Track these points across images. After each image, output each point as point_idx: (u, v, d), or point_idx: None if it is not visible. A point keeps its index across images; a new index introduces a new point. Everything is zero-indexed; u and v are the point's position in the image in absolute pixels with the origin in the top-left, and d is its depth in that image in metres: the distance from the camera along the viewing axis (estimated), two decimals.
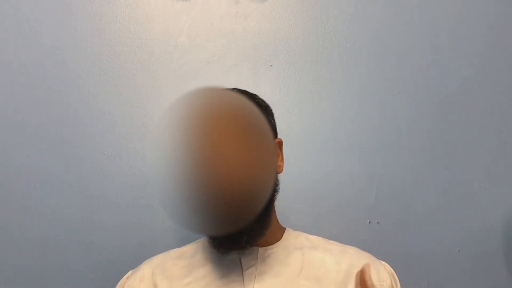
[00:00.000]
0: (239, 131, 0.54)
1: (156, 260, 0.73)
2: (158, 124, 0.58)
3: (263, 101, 0.73)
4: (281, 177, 0.71)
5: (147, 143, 0.68)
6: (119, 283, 0.73)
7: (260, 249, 0.68)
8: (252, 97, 0.70)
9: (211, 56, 1.00)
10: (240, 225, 0.56)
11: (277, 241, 0.71)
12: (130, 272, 0.74)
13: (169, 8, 1.00)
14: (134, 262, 0.79)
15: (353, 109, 1.03)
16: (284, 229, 0.74)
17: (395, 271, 0.75)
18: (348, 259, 0.70)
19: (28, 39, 0.96)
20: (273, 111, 0.74)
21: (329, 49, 1.04)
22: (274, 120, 0.73)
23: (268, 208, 0.67)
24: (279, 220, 0.74)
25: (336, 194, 0.99)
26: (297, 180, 0.97)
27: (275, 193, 0.69)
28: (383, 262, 0.73)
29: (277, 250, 0.70)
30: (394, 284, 0.70)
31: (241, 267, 0.67)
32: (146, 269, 0.71)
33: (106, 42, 0.98)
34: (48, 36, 0.96)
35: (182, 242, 0.93)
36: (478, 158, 1.05)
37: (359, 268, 0.67)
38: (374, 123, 1.03)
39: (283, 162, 0.71)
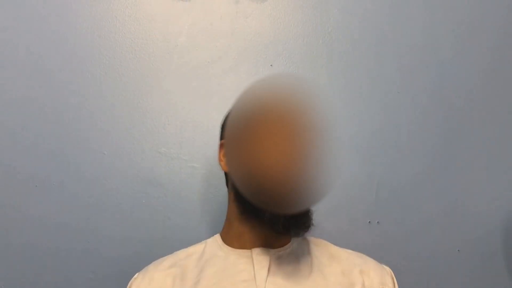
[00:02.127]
0: (316, 118, 0.58)
1: (165, 262, 0.72)
2: (240, 105, 0.62)
3: None
4: None
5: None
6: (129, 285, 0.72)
7: (272, 251, 0.69)
8: None
9: (211, 56, 1.00)
10: (308, 206, 0.65)
11: (286, 244, 0.72)
12: (137, 274, 0.72)
13: (169, 8, 1.00)
14: (134, 262, 0.79)
15: (353, 109, 1.03)
16: (309, 226, 0.75)
17: (395, 271, 0.75)
18: (353, 262, 0.72)
19: (28, 39, 0.96)
20: None
21: (329, 49, 1.04)
22: None
23: None
24: None
25: (336, 194, 0.99)
26: None
27: None
28: (385, 266, 0.74)
29: (286, 252, 0.71)
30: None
31: (253, 267, 0.67)
32: (156, 272, 0.71)
33: (106, 42, 0.98)
34: (48, 36, 0.96)
35: (182, 241, 0.93)
36: (478, 158, 1.05)
37: (362, 271, 0.70)
38: (374, 123, 1.03)
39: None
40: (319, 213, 0.99)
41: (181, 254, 0.74)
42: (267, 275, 0.66)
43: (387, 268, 0.74)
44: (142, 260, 0.75)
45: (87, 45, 0.97)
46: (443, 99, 1.06)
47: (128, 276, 0.72)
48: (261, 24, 1.02)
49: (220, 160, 0.73)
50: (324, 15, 1.05)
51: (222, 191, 0.92)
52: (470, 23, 1.09)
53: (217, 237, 0.74)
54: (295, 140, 0.57)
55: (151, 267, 0.72)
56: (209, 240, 0.75)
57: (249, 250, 0.69)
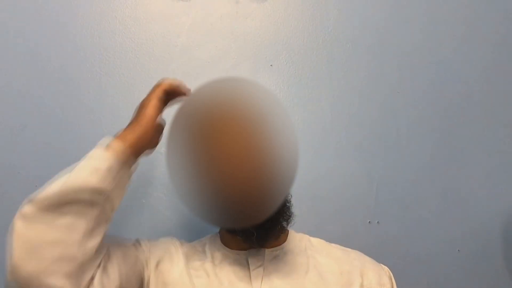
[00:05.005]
0: (259, 125, 0.55)
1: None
2: (177, 118, 0.60)
3: None
4: None
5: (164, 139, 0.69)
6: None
7: (267, 251, 0.69)
8: None
9: (211, 56, 1.00)
10: (262, 218, 0.58)
11: (282, 243, 0.72)
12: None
13: (169, 8, 1.00)
14: None
15: (353, 109, 1.03)
16: (288, 231, 0.75)
17: (395, 271, 0.75)
18: (351, 262, 0.72)
19: (28, 39, 0.96)
20: None
21: (329, 49, 1.04)
22: None
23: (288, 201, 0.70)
24: None
25: (336, 194, 0.99)
26: (296, 180, 0.97)
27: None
28: (384, 266, 0.74)
29: (283, 252, 0.71)
30: None
31: (248, 267, 0.67)
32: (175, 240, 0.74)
33: (106, 42, 0.98)
34: (48, 36, 0.96)
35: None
36: (478, 158, 1.05)
37: (361, 271, 0.70)
38: (374, 123, 1.03)
39: None
40: (319, 213, 0.99)
41: (185, 243, 0.76)
42: (263, 275, 0.66)
43: (386, 268, 0.74)
44: None
45: (87, 45, 0.97)
46: (443, 99, 1.06)
47: None
48: (261, 24, 1.02)
49: None
50: (324, 15, 1.05)
51: None
52: (470, 23, 1.09)
53: (217, 237, 0.75)
54: (246, 147, 0.54)
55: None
56: (209, 240, 0.75)
57: (245, 251, 0.69)
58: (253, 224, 0.62)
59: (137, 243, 0.70)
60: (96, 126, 0.95)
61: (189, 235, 0.94)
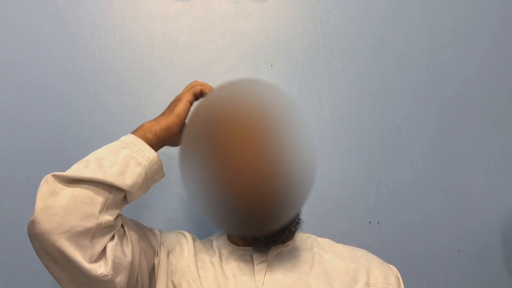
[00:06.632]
0: (276, 132, 0.55)
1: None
2: (192, 122, 0.60)
3: None
4: None
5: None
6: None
7: (272, 248, 0.70)
8: None
9: (211, 56, 1.00)
10: (277, 226, 0.58)
11: (288, 240, 0.73)
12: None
13: (169, 8, 1.00)
14: None
15: (353, 109, 1.03)
16: (295, 231, 0.75)
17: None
18: (357, 260, 0.72)
19: (29, 39, 0.96)
20: None
21: (329, 49, 1.04)
22: None
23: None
24: None
25: (336, 194, 0.99)
26: None
27: None
28: (391, 266, 0.74)
29: (287, 249, 0.72)
30: None
31: (253, 262, 0.68)
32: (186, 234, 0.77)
33: (106, 42, 0.98)
34: (49, 36, 0.96)
35: None
36: (478, 158, 1.05)
37: (367, 269, 0.70)
38: (374, 123, 1.03)
39: None
40: (319, 213, 0.99)
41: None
42: (266, 270, 0.67)
43: (393, 268, 0.74)
44: None
45: (87, 45, 0.97)
46: (443, 99, 1.06)
47: None
48: (261, 24, 1.02)
49: None
50: (324, 15, 1.05)
51: None
52: (470, 23, 1.09)
53: (223, 235, 0.77)
54: (262, 155, 0.53)
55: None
56: (216, 238, 0.77)
57: (250, 248, 0.71)
58: (265, 233, 0.63)
59: (152, 230, 0.74)
60: (96, 126, 0.95)
61: None
